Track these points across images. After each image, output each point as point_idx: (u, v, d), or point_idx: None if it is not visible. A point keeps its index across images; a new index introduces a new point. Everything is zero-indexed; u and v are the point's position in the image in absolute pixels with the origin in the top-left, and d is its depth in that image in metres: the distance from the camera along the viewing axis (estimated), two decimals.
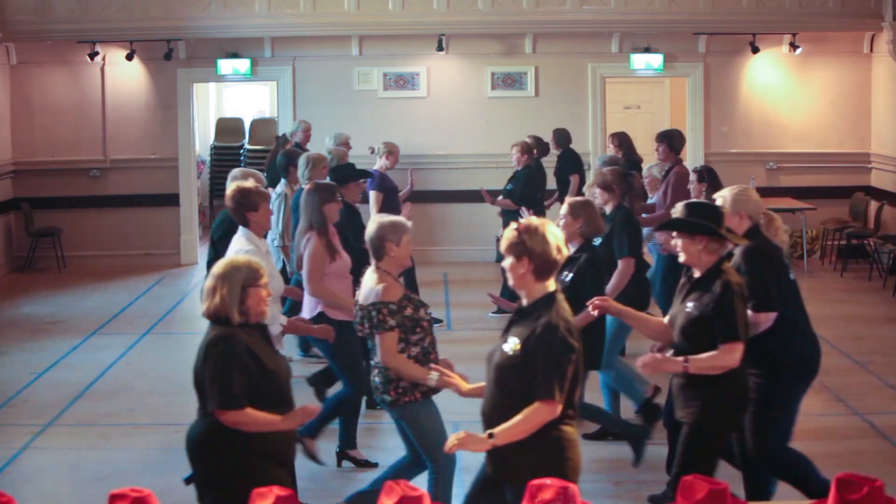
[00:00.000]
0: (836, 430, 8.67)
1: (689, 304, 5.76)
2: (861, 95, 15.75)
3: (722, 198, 6.50)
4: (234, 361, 5.14)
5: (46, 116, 15.53)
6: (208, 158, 19.12)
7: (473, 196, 15.51)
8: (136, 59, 15.25)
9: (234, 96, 20.41)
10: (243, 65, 15.52)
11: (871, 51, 15.63)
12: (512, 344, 4.90)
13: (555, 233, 4.97)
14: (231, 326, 5.20)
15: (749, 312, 5.97)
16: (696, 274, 5.85)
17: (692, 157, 15.91)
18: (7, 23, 14.58)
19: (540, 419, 4.80)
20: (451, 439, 4.87)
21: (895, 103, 14.93)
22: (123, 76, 15.53)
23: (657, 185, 10.94)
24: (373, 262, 6.29)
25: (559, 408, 4.81)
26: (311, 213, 7.77)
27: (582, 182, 13.51)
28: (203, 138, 18.95)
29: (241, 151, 18.96)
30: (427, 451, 6.23)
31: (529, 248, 4.90)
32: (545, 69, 15.66)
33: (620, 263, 8.20)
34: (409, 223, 6.41)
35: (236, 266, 5.29)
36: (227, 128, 19.35)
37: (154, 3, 14.79)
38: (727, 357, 5.68)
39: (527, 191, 12.31)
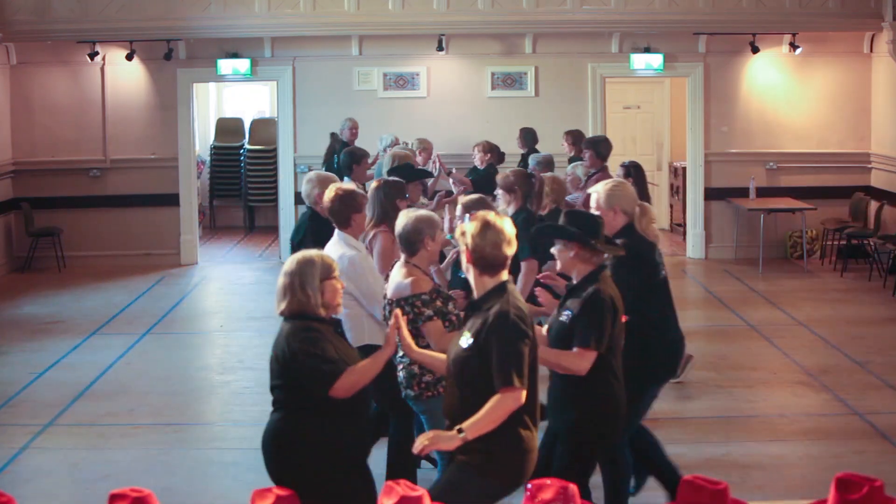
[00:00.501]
0: (836, 430, 8.67)
1: (564, 313, 5.60)
2: (861, 95, 15.75)
3: (596, 192, 6.47)
4: (323, 340, 5.10)
5: (46, 116, 15.52)
6: (208, 158, 19.12)
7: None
8: (136, 59, 15.25)
9: (234, 96, 20.40)
10: (243, 65, 15.52)
11: (871, 51, 15.63)
12: (466, 337, 4.91)
13: (500, 228, 4.94)
14: (307, 321, 5.15)
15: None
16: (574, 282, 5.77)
17: (692, 157, 15.92)
18: (7, 23, 14.58)
19: (505, 408, 4.77)
20: (420, 440, 4.76)
21: (895, 103, 14.93)
22: (123, 76, 15.53)
23: (579, 184, 10.97)
24: (403, 256, 6.24)
25: (522, 394, 4.79)
26: (382, 209, 7.62)
27: None
28: (203, 138, 18.95)
29: (241, 151, 18.96)
30: (439, 452, 6.20)
31: (470, 242, 4.93)
32: (545, 69, 15.66)
33: (523, 265, 8.04)
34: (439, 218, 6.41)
35: (310, 260, 5.23)
36: (227, 128, 19.34)
37: (154, 3, 14.79)
38: (574, 361, 5.47)
39: (484, 191, 12.30)
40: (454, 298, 6.29)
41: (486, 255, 4.91)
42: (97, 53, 15.18)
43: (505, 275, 4.98)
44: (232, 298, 13.84)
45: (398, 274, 6.18)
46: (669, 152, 18.36)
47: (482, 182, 12.24)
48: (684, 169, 16.56)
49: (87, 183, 15.62)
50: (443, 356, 5.28)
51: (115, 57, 15.39)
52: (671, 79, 17.29)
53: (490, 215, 5.00)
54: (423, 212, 6.38)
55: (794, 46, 15.45)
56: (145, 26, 14.79)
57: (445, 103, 15.62)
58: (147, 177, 15.63)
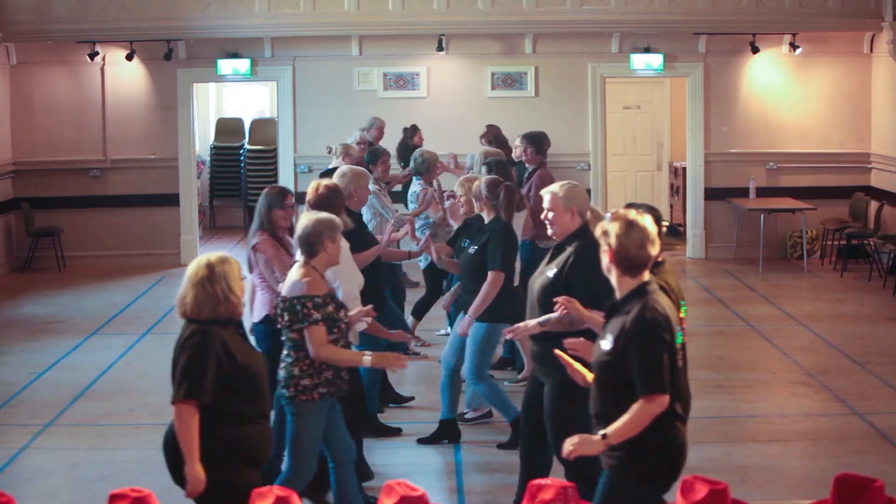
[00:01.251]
0: (836, 430, 8.67)
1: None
2: (861, 95, 15.74)
3: (553, 193, 6.42)
4: (209, 355, 5.15)
5: (46, 116, 15.52)
6: (208, 158, 19.11)
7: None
8: (136, 59, 15.25)
9: (234, 96, 20.39)
10: (243, 65, 15.52)
11: (871, 51, 15.63)
12: (607, 340, 4.88)
13: (644, 227, 4.87)
14: (209, 324, 5.21)
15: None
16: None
17: (692, 157, 15.91)
18: (7, 23, 14.57)
19: (648, 414, 4.74)
20: (567, 445, 4.79)
21: (895, 103, 14.93)
22: (123, 76, 15.53)
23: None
24: (301, 257, 6.24)
25: (665, 399, 4.75)
26: (261, 216, 7.60)
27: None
28: (203, 138, 18.94)
29: (241, 151, 18.95)
30: (292, 454, 6.17)
31: (611, 240, 4.87)
32: (545, 69, 15.66)
33: (490, 275, 7.91)
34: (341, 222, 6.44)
35: (214, 264, 5.28)
36: (227, 128, 19.34)
37: (154, 3, 14.79)
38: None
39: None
40: (347, 307, 6.32)
41: (631, 256, 4.84)
42: (97, 53, 15.17)
43: (647, 275, 4.90)
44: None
45: (295, 273, 6.18)
46: (669, 152, 18.35)
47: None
48: (684, 169, 16.55)
49: (87, 183, 15.61)
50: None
51: (115, 57, 15.39)
52: (671, 79, 17.28)
53: (631, 214, 4.92)
54: (324, 214, 6.39)
55: (794, 46, 15.45)
56: (145, 26, 14.79)
57: (445, 103, 15.61)
58: (147, 177, 15.63)
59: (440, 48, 15.33)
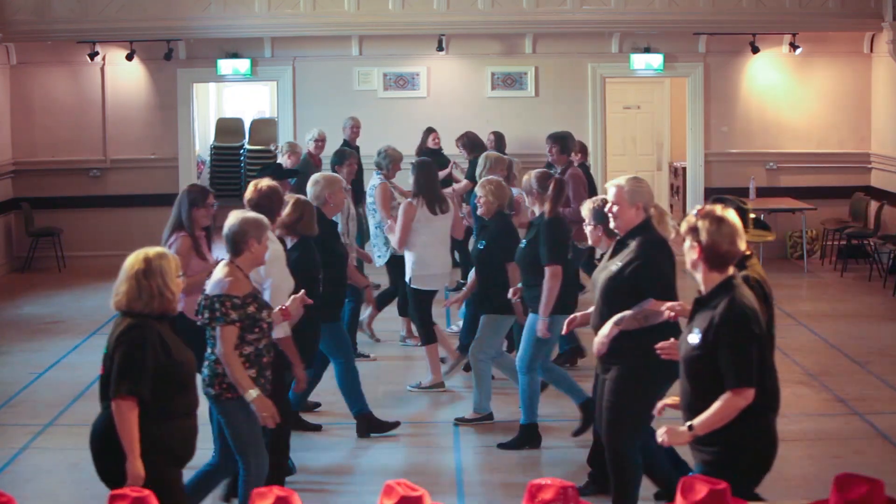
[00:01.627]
0: (836, 430, 8.67)
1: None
2: (861, 95, 15.74)
3: (618, 186, 6.37)
4: (147, 350, 5.19)
5: (46, 116, 15.52)
6: (208, 158, 19.13)
7: (473, 196, 15.51)
8: (136, 59, 15.25)
9: (234, 96, 20.41)
10: (243, 65, 15.52)
11: (871, 51, 15.63)
12: (694, 334, 4.93)
13: (734, 222, 4.91)
14: (144, 317, 5.24)
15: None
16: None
17: (692, 157, 15.91)
18: (7, 23, 14.57)
19: (735, 407, 4.83)
20: (659, 434, 4.98)
21: (895, 103, 14.92)
22: (123, 76, 15.53)
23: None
24: (227, 255, 6.24)
25: (751, 392, 4.83)
26: (179, 214, 7.69)
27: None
28: (203, 138, 18.96)
29: (241, 151, 18.96)
30: (240, 452, 6.16)
31: (700, 236, 4.90)
32: (545, 69, 15.66)
33: (548, 271, 7.94)
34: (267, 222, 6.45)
35: (151, 259, 5.31)
36: (227, 128, 19.36)
37: (154, 3, 14.78)
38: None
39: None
40: (271, 307, 6.31)
41: (722, 252, 4.89)
42: (97, 53, 15.17)
43: (732, 269, 4.96)
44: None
45: (219, 272, 6.18)
46: (669, 152, 18.36)
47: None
48: (684, 169, 16.56)
49: (87, 183, 15.61)
50: None
51: (115, 57, 15.39)
52: (671, 79, 17.29)
53: (718, 209, 4.96)
54: (251, 214, 6.39)
55: (794, 46, 15.45)
56: (145, 26, 14.79)
57: (445, 103, 15.61)
58: (147, 177, 15.62)
59: (440, 48, 15.33)
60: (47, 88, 15.52)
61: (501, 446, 8.20)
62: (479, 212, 8.81)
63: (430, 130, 14.31)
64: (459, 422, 8.71)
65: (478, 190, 8.77)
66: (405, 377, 10.02)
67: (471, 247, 10.32)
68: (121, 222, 15.59)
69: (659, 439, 4.97)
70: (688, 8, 15.01)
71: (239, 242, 6.17)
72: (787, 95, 15.80)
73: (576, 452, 7.87)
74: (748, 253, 5.67)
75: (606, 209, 6.46)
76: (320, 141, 12.80)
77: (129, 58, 15.18)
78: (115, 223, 15.60)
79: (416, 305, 9.65)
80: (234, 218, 6.25)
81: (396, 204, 10.61)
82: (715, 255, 4.88)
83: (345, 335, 8.58)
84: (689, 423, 4.89)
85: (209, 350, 6.13)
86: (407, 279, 9.66)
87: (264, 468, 6.20)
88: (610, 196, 6.41)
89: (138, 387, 5.15)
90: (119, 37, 14.98)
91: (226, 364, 6.02)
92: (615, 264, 6.28)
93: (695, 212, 4.98)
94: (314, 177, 8.60)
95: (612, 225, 6.43)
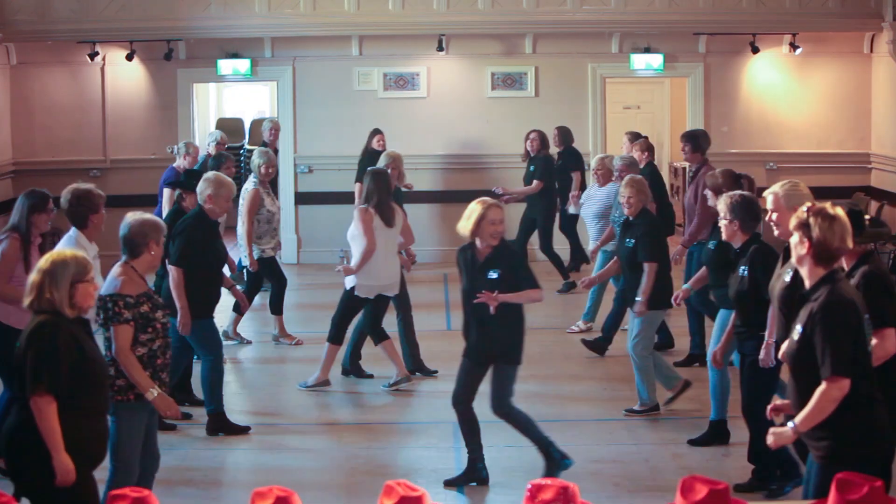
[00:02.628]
0: None
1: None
2: (861, 95, 15.74)
3: (773, 193, 6.42)
4: (59, 346, 5.20)
5: (46, 116, 15.51)
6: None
7: (473, 196, 15.44)
8: (136, 59, 15.24)
9: (234, 96, 20.42)
10: (243, 65, 15.51)
11: (871, 51, 15.62)
12: (797, 329, 5.01)
13: (844, 220, 5.01)
14: (57, 315, 5.25)
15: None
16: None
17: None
18: (7, 23, 14.57)
19: (831, 398, 4.88)
20: (768, 439, 5.10)
21: (895, 103, 14.92)
22: (123, 76, 15.52)
23: (610, 177, 11.22)
24: (123, 257, 6.31)
25: (847, 383, 4.87)
26: (19, 216, 7.88)
27: (583, 179, 13.71)
28: (203, 138, 18.95)
29: (242, 152, 18.96)
30: (113, 455, 6.11)
31: (812, 233, 4.98)
32: (545, 69, 15.65)
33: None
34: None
35: (64, 261, 5.33)
36: (227, 128, 19.29)
37: (154, 3, 14.78)
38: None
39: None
40: (166, 307, 6.35)
41: (833, 249, 4.99)
42: (97, 53, 15.17)
43: (836, 264, 5.06)
44: (231, 298, 13.79)
45: (113, 272, 6.26)
46: (669, 152, 18.36)
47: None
48: (684, 169, 16.54)
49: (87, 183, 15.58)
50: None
51: (115, 57, 15.38)
52: (671, 79, 17.30)
53: (827, 206, 5.06)
54: (149, 216, 6.49)
55: (794, 46, 15.45)
56: (145, 26, 14.78)
57: (445, 103, 15.61)
58: (147, 177, 15.57)
59: (440, 48, 15.33)
60: (47, 88, 15.52)
61: (692, 443, 8.21)
62: (625, 211, 8.99)
63: (376, 132, 14.39)
64: (630, 413, 8.89)
65: (622, 189, 9.01)
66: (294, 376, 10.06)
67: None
68: (120, 222, 15.54)
69: (770, 444, 5.09)
70: (688, 8, 15.00)
71: (138, 245, 6.29)
72: (787, 95, 15.80)
73: (576, 452, 7.86)
74: (871, 249, 5.86)
75: (766, 218, 6.54)
76: (222, 144, 12.94)
77: (129, 58, 15.17)
78: (114, 223, 15.47)
79: (347, 307, 9.63)
80: (131, 219, 6.38)
81: (267, 213, 10.74)
82: (824, 252, 4.98)
83: (216, 333, 8.69)
84: (790, 423, 4.98)
85: (104, 352, 6.08)
86: (349, 286, 9.57)
87: (129, 480, 6.03)
88: (768, 204, 6.47)
89: (55, 383, 5.15)
90: (119, 37, 14.97)
91: (122, 363, 6.03)
92: (787, 273, 6.09)
93: (805, 208, 5.07)
94: (206, 175, 8.81)
95: (775, 233, 6.46)
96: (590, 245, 11.56)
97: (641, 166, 11.95)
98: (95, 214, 7.29)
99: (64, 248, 7.06)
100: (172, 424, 8.51)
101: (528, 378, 9.89)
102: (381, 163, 10.68)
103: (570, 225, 14.16)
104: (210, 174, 8.89)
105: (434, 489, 7.18)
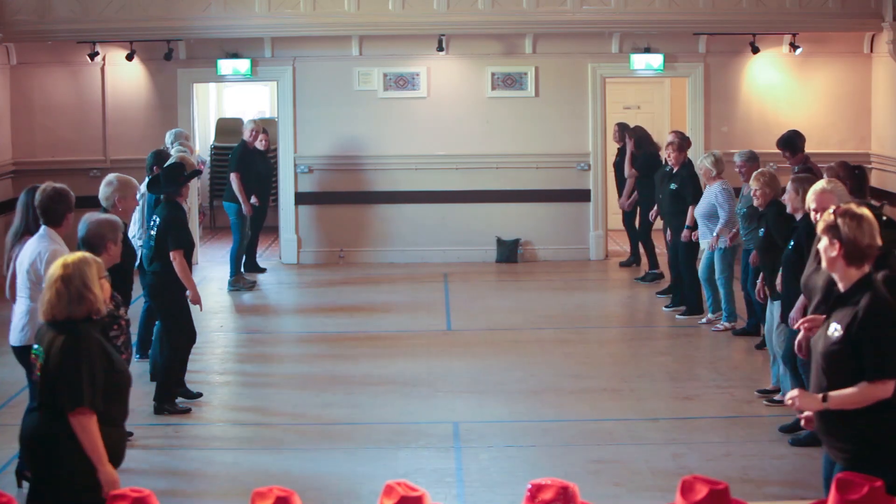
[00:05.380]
0: None
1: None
2: (861, 95, 15.74)
3: (814, 192, 6.65)
4: (94, 361, 5.20)
5: (46, 116, 15.52)
6: (208, 158, 19.10)
7: (473, 196, 15.53)
8: (136, 59, 15.25)
9: (234, 96, 20.40)
10: (243, 65, 15.52)
11: (871, 51, 15.63)
12: (833, 330, 5.03)
13: (872, 219, 5.05)
14: (77, 324, 5.23)
15: None
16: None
17: (693, 158, 15.87)
18: (7, 23, 14.58)
19: (873, 396, 4.94)
20: (790, 394, 5.13)
21: (895, 103, 14.93)
22: (123, 76, 15.53)
23: (710, 175, 11.71)
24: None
25: (892, 385, 4.94)
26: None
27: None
28: (203, 138, 18.94)
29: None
30: None
31: (841, 233, 5.02)
32: (545, 69, 15.66)
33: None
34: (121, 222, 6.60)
35: (85, 261, 5.31)
36: (227, 128, 19.32)
37: (154, 3, 14.79)
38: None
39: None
40: (125, 304, 6.41)
41: (863, 248, 5.03)
42: (97, 53, 15.17)
43: (868, 266, 5.09)
44: (231, 298, 13.83)
45: None
46: None
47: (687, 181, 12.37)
48: None
49: (87, 183, 15.55)
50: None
51: (115, 57, 15.39)
52: (671, 79, 17.28)
53: (853, 206, 5.12)
54: (105, 216, 6.54)
55: (794, 46, 15.45)
56: (145, 26, 14.79)
57: (445, 103, 15.61)
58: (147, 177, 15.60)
59: (440, 48, 15.33)
60: (47, 88, 15.52)
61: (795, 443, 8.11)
62: (755, 203, 9.33)
63: (253, 123, 14.61)
64: (762, 395, 9.12)
65: (752, 182, 9.31)
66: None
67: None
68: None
69: (787, 401, 5.12)
70: (688, 8, 15.01)
71: (97, 245, 6.34)
72: (787, 95, 15.80)
73: (576, 452, 7.86)
74: (885, 252, 5.85)
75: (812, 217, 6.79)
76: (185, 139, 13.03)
77: (129, 58, 15.18)
78: None
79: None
80: (89, 221, 6.38)
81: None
82: (856, 251, 5.02)
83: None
84: (824, 394, 5.00)
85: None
86: None
87: None
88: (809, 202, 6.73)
89: (94, 399, 5.16)
90: (119, 37, 14.98)
91: None
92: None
93: (832, 211, 5.12)
94: (108, 177, 8.69)
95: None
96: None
97: (676, 168, 12.13)
98: (71, 213, 7.27)
99: (44, 247, 7.02)
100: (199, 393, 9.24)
101: (528, 378, 9.92)
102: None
103: (645, 230, 14.35)
104: (110, 176, 8.71)
105: (434, 489, 7.19)
